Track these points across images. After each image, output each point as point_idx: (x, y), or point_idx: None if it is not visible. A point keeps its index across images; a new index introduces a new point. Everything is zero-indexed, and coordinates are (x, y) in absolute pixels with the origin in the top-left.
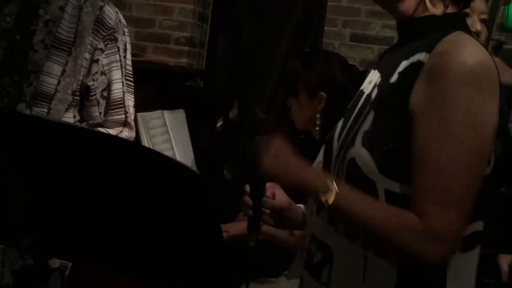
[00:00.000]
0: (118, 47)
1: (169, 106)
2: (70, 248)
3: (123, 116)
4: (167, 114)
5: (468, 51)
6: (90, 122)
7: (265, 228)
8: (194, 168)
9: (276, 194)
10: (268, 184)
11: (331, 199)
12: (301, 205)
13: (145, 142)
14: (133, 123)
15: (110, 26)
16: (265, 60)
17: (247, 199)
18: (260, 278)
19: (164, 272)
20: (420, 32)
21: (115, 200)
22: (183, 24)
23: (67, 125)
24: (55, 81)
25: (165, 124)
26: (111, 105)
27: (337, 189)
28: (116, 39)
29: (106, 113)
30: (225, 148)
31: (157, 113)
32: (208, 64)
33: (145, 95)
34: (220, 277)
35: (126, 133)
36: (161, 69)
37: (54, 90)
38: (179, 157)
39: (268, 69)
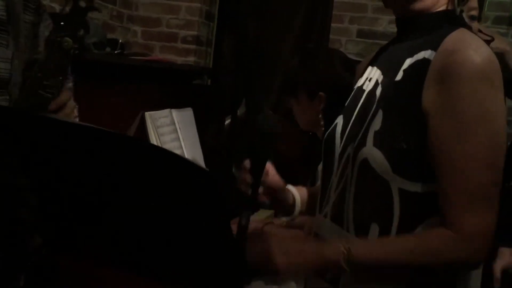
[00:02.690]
0: (50, 17)
1: (177, 104)
2: (79, 245)
3: (71, 83)
4: (175, 112)
5: (474, 49)
6: None
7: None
8: (203, 165)
9: (269, 174)
10: None
11: (351, 259)
12: (290, 186)
13: (154, 141)
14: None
15: None
16: (271, 58)
17: (247, 176)
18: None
19: (174, 270)
20: (421, 29)
21: (124, 198)
22: (190, 22)
23: (73, 124)
24: (8, 65)
25: (173, 123)
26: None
27: (350, 248)
28: (45, 10)
29: None
30: (233, 146)
31: (165, 111)
32: (215, 63)
33: (153, 94)
34: (231, 275)
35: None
36: (168, 68)
37: (9, 74)
38: (187, 155)
39: (274, 66)
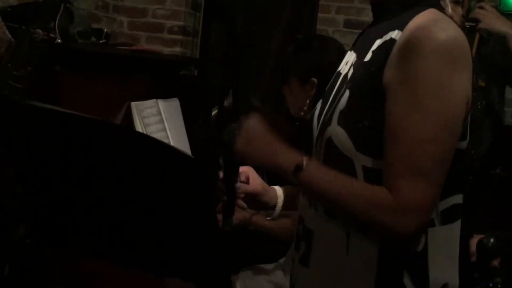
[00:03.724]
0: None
1: (163, 95)
2: (65, 237)
3: None
4: (161, 103)
5: (440, 27)
6: None
7: (255, 219)
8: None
9: (250, 178)
10: (242, 169)
11: (299, 174)
12: (276, 187)
13: (140, 131)
14: None
15: None
16: (259, 48)
17: (221, 184)
18: (255, 266)
19: (160, 261)
20: (393, 11)
21: (110, 186)
22: (176, 13)
23: (60, 112)
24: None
25: (159, 113)
26: None
27: (306, 165)
28: None
29: None
30: (219, 137)
31: (152, 102)
32: (202, 53)
33: (138, 85)
34: (216, 264)
35: None
36: (154, 58)
37: None
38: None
39: (262, 57)
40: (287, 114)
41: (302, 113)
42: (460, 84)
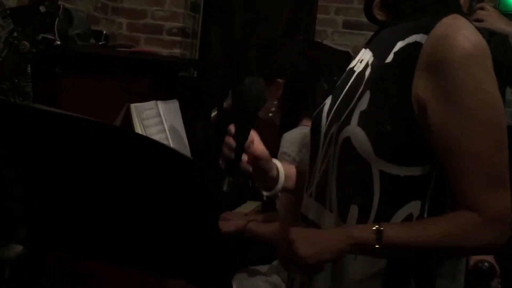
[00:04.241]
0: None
1: (163, 96)
2: (66, 238)
3: (30, 89)
4: (161, 104)
5: (463, 35)
6: None
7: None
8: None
9: (255, 141)
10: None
11: (382, 237)
12: (275, 160)
13: (139, 133)
14: (32, 95)
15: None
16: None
17: (231, 140)
18: (250, 268)
19: (160, 262)
20: (413, 12)
21: (111, 189)
22: (175, 14)
23: (59, 114)
24: None
25: (159, 115)
26: (25, 78)
27: (383, 228)
28: (7, 12)
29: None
30: (219, 138)
31: (151, 103)
32: (201, 54)
33: (138, 86)
34: (217, 264)
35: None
36: (154, 60)
37: None
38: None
39: None
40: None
41: (270, 114)
42: (494, 86)
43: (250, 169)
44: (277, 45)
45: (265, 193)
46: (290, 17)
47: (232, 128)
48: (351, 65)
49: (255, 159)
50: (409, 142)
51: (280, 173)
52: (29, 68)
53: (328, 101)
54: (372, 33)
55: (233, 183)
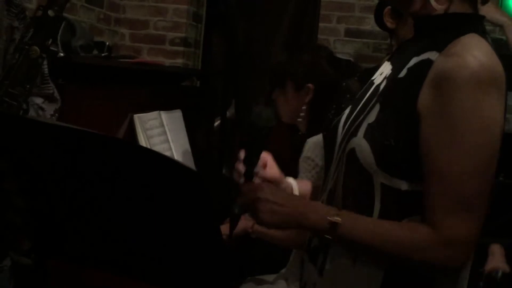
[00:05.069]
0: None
1: (166, 106)
2: (68, 248)
3: (52, 90)
4: (164, 114)
5: (472, 55)
6: None
7: (257, 227)
8: (193, 167)
9: (268, 165)
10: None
11: (336, 231)
12: (291, 179)
13: (143, 143)
14: (58, 97)
15: (18, 3)
16: (260, 59)
17: (241, 165)
18: (256, 277)
19: (162, 272)
20: (433, 30)
21: (113, 200)
22: (178, 24)
23: (64, 127)
24: None
25: (162, 125)
26: (44, 80)
27: (340, 219)
28: (26, 16)
29: (36, 88)
30: (223, 147)
31: (154, 114)
32: (204, 64)
33: (141, 97)
34: (219, 276)
35: (48, 105)
36: (156, 70)
37: None
38: (177, 157)
39: (263, 67)
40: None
41: (299, 119)
42: (495, 113)
43: None
44: (307, 50)
45: None
46: (292, 26)
47: (242, 154)
48: (373, 77)
49: (267, 182)
50: (411, 157)
51: (294, 193)
52: (46, 69)
53: (347, 111)
54: (374, 41)
55: (240, 210)
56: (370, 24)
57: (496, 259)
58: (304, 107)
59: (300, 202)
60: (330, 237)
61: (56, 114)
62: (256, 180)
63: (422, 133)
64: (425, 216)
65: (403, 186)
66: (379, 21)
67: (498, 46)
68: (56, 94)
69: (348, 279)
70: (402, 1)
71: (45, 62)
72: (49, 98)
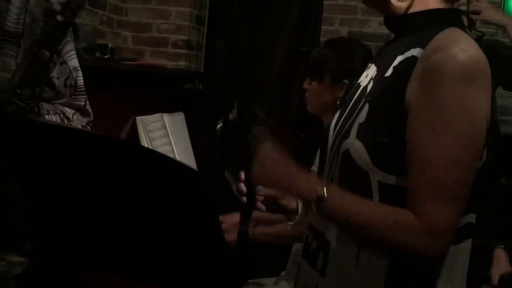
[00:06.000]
0: (71, 36)
1: (168, 109)
2: (71, 249)
3: (83, 102)
4: (166, 117)
5: (460, 47)
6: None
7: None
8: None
9: None
10: None
11: (322, 205)
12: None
13: (145, 145)
14: (90, 110)
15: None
16: (263, 61)
17: (242, 185)
18: (257, 281)
19: (164, 273)
20: (415, 27)
21: (115, 200)
22: (180, 27)
23: (67, 128)
24: (9, 75)
25: (164, 127)
26: (76, 92)
27: (327, 194)
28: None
29: (67, 98)
30: (225, 150)
31: (157, 116)
32: (206, 67)
33: (144, 99)
34: (221, 277)
35: (80, 117)
36: (159, 73)
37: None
38: (179, 160)
39: (266, 70)
40: (292, 127)
41: (321, 112)
42: (481, 105)
43: (264, 209)
44: (343, 46)
45: (289, 223)
46: (295, 29)
47: (242, 174)
48: (359, 80)
49: (269, 199)
50: (405, 153)
51: (299, 204)
52: (81, 81)
53: (336, 114)
54: (377, 44)
55: (249, 223)
56: (372, 27)
57: (501, 263)
58: (338, 102)
59: (295, 169)
60: (315, 209)
61: (88, 127)
62: (258, 199)
63: (409, 124)
64: (408, 204)
65: (400, 182)
66: (388, 24)
67: (504, 48)
68: (88, 107)
69: (351, 277)
70: (379, 2)
71: (80, 74)
72: (81, 111)
